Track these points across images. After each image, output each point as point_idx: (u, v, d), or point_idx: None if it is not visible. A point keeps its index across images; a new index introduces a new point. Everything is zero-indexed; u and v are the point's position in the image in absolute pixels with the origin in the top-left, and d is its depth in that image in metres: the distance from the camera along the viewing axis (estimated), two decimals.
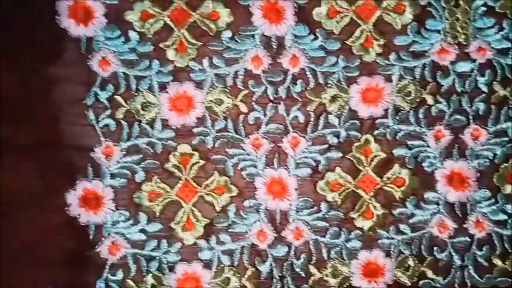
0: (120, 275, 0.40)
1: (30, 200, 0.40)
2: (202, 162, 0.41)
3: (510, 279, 0.42)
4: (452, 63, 0.41)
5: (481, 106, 0.41)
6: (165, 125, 0.41)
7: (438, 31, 0.41)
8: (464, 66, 0.41)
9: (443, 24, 0.41)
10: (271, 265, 0.41)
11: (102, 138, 0.40)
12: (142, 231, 0.41)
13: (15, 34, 0.39)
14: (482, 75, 0.41)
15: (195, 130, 0.41)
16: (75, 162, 0.40)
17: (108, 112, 0.40)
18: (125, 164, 0.40)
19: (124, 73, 0.40)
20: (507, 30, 0.41)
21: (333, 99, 0.41)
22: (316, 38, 0.41)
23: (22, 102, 0.39)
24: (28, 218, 0.40)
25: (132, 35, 0.40)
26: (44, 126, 0.39)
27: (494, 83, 0.41)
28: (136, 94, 0.40)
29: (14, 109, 0.39)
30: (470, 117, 0.41)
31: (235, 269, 0.41)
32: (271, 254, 0.41)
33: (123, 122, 0.40)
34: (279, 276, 0.41)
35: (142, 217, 0.41)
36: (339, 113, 0.41)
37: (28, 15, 0.39)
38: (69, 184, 0.40)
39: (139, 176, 0.41)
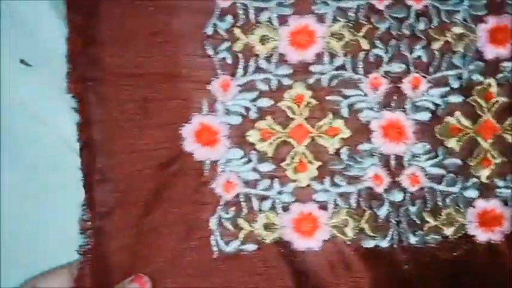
0: (232, 213, 0.39)
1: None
2: (316, 102, 0.39)
3: None
4: None
5: None
6: (283, 60, 0.39)
7: None
8: None
9: None
10: (388, 210, 0.40)
11: (219, 71, 0.39)
12: (255, 169, 0.39)
13: None
14: None
15: (311, 68, 0.39)
16: (190, 95, 0.39)
17: (227, 44, 0.38)
18: (240, 100, 0.39)
19: (243, 4, 0.38)
20: None
21: (459, 37, 0.39)
22: None
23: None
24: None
25: None
26: (163, 57, 0.38)
27: None
28: (255, 26, 0.38)
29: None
30: None
31: (353, 211, 0.40)
32: (388, 199, 0.40)
33: (240, 56, 0.39)
34: (396, 221, 0.40)
35: (254, 156, 0.39)
36: (464, 53, 0.39)
37: None
38: (184, 118, 0.39)
39: (253, 113, 0.39)
